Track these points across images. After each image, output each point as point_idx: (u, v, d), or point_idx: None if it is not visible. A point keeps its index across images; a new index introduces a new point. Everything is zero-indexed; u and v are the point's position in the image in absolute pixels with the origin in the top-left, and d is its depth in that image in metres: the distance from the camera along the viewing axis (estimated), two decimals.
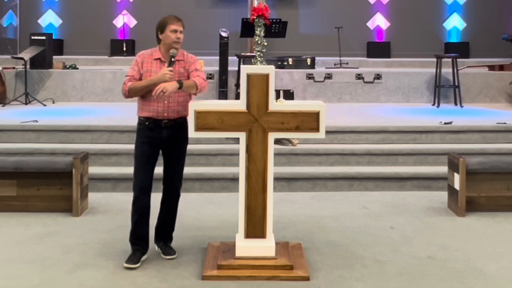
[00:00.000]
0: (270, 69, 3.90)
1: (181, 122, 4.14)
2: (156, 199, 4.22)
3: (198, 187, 6.02)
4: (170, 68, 3.97)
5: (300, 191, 6.08)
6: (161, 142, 4.12)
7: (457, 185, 5.28)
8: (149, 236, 4.16)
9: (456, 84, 9.02)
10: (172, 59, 4.00)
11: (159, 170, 4.17)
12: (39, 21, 12.30)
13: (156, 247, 4.27)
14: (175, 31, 4.07)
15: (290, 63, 9.90)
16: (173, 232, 4.31)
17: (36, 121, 6.85)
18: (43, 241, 4.49)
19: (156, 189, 4.17)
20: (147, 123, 4.09)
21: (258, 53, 8.93)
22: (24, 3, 12.10)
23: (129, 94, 4.06)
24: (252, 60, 9.04)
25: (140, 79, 4.07)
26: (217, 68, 9.25)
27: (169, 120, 4.08)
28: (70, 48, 12.00)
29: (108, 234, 4.66)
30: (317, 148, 6.44)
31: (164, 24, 4.10)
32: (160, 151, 4.20)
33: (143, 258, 4.10)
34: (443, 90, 9.14)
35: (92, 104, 8.85)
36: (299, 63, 9.95)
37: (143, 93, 4.05)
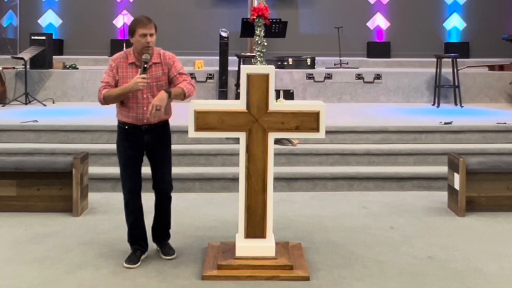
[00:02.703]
0: (270, 69, 3.89)
1: (162, 126, 4.07)
2: (148, 197, 4.20)
3: (198, 187, 6.01)
4: (143, 76, 3.82)
5: (300, 191, 6.08)
6: (143, 146, 4.06)
7: (457, 185, 5.27)
8: (147, 235, 4.17)
9: (456, 84, 9.01)
10: (145, 65, 3.85)
11: (147, 170, 4.13)
12: (39, 21, 12.29)
13: (156, 246, 4.28)
14: (144, 35, 3.87)
15: (290, 63, 9.90)
16: (170, 229, 4.30)
17: (36, 121, 6.85)
18: (43, 241, 4.49)
19: (147, 189, 4.16)
20: (126, 127, 4.05)
21: (258, 53, 8.94)
22: (24, 3, 12.10)
23: (104, 102, 3.96)
24: (252, 60, 9.04)
25: (116, 85, 3.95)
26: (217, 68, 9.24)
27: (149, 125, 4.00)
28: (70, 48, 11.99)
29: (108, 234, 4.66)
30: (317, 148, 6.44)
31: (133, 28, 3.92)
32: (145, 153, 4.13)
33: (143, 257, 4.11)
34: (443, 90, 9.14)
35: (92, 104, 8.83)
36: (299, 63, 9.94)
37: (120, 100, 3.96)
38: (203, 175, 6.07)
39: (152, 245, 4.22)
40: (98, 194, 5.77)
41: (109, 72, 3.97)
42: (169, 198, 4.21)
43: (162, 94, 3.81)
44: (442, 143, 6.75)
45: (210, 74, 9.27)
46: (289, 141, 6.50)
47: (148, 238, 4.20)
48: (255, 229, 3.92)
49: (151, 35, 3.91)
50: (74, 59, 10.46)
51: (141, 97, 3.95)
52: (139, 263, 4.02)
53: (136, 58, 3.96)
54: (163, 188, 4.14)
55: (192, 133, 3.91)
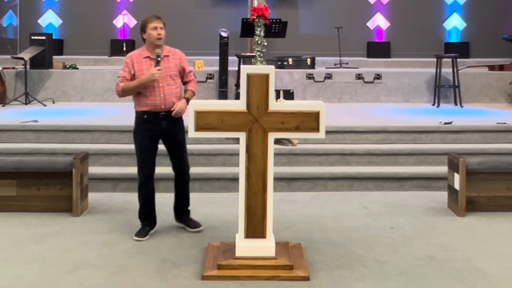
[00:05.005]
0: (270, 69, 3.90)
1: None
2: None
3: (198, 187, 6.01)
4: (158, 68, 4.36)
5: (300, 191, 6.08)
6: (161, 133, 4.52)
7: (457, 185, 5.27)
8: (156, 213, 4.67)
9: (456, 84, 9.02)
10: (158, 59, 4.38)
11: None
12: (39, 21, 12.30)
13: (180, 223, 4.78)
14: (155, 28, 4.43)
15: (290, 63, 9.90)
16: (189, 206, 4.83)
17: (36, 121, 6.85)
18: (43, 241, 4.49)
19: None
20: (145, 116, 4.45)
21: (258, 53, 8.93)
22: (24, 3, 12.10)
23: (122, 94, 4.48)
24: (252, 60, 9.04)
25: (132, 78, 4.44)
26: (217, 68, 9.24)
27: (166, 111, 4.45)
28: (70, 48, 12.00)
29: (108, 234, 4.66)
30: (317, 148, 6.44)
31: (144, 24, 4.49)
32: (160, 141, 4.59)
33: (151, 232, 4.59)
34: (443, 90, 9.14)
35: (92, 104, 8.85)
36: (299, 63, 9.94)
37: (137, 91, 4.43)
38: (203, 175, 6.07)
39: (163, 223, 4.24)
40: (98, 194, 5.77)
41: (125, 68, 4.47)
42: (188, 177, 4.77)
43: (183, 102, 4.48)
44: (442, 143, 6.75)
45: (210, 74, 9.27)
46: (289, 141, 6.50)
47: (156, 216, 4.68)
48: (255, 229, 3.92)
49: (161, 28, 4.46)
50: (74, 59, 10.46)
51: (158, 86, 4.43)
52: (147, 236, 4.51)
53: (150, 52, 4.48)
54: (183, 169, 4.70)
55: (192, 133, 3.92)
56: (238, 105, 3.90)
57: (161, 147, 4.66)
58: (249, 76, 3.86)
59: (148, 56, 4.46)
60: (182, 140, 4.64)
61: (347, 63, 10.72)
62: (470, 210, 5.27)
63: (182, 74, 4.60)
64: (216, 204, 5.56)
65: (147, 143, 4.49)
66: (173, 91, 4.49)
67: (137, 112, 4.51)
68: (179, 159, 4.66)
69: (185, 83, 4.65)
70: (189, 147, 4.49)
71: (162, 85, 4.43)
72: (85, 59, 10.89)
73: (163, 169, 6.17)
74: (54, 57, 9.96)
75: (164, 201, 5.64)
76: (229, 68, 9.11)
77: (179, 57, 4.58)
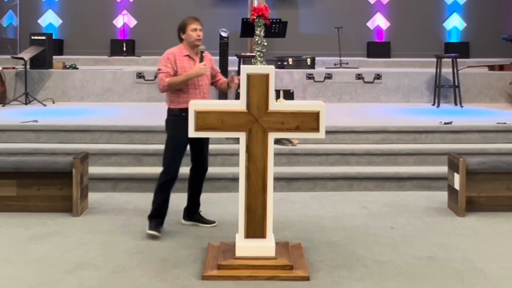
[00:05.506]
0: (270, 69, 3.90)
1: None
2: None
3: None
4: (204, 63, 4.52)
5: (300, 191, 6.08)
6: None
7: (457, 185, 5.27)
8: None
9: (456, 84, 9.01)
10: (203, 54, 4.54)
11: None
12: (39, 21, 12.30)
13: (191, 222, 4.87)
14: (195, 29, 4.60)
15: (290, 63, 9.90)
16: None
17: (36, 121, 6.85)
18: (43, 241, 4.49)
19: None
20: (183, 114, 4.41)
21: (258, 53, 8.92)
22: (24, 3, 12.09)
23: (167, 88, 4.52)
24: (252, 60, 9.02)
25: (175, 74, 4.53)
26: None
27: None
28: (70, 48, 11.99)
29: (108, 234, 4.66)
30: (317, 148, 6.44)
31: (184, 25, 4.64)
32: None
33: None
34: (443, 90, 9.14)
35: (92, 104, 8.85)
36: (299, 63, 9.94)
37: (178, 88, 4.52)
38: None
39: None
40: (98, 194, 5.77)
41: (167, 64, 4.55)
42: (207, 171, 4.91)
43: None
44: (442, 143, 6.75)
45: None
46: (289, 141, 6.50)
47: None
48: (255, 229, 3.92)
49: (200, 30, 4.63)
50: (74, 59, 10.46)
51: (198, 84, 4.57)
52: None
53: (189, 51, 4.62)
54: (205, 165, 4.85)
55: (193, 133, 3.92)
56: (238, 105, 3.90)
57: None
58: (249, 76, 3.86)
59: (188, 55, 4.61)
60: (207, 138, 4.78)
61: (347, 63, 10.71)
62: (470, 210, 5.27)
63: (213, 74, 4.80)
64: (216, 204, 5.55)
65: (184, 140, 4.51)
66: (208, 90, 4.69)
67: (173, 110, 4.59)
68: (204, 156, 4.81)
69: (213, 82, 4.83)
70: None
71: (201, 83, 4.59)
72: (85, 59, 10.88)
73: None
74: (54, 57, 9.95)
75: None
76: (229, 68, 9.10)
77: (209, 59, 4.74)
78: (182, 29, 4.66)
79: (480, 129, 6.89)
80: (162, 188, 4.62)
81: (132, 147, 6.45)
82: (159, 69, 4.58)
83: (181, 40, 4.69)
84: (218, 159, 6.31)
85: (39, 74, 9.23)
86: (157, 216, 4.63)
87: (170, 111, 4.64)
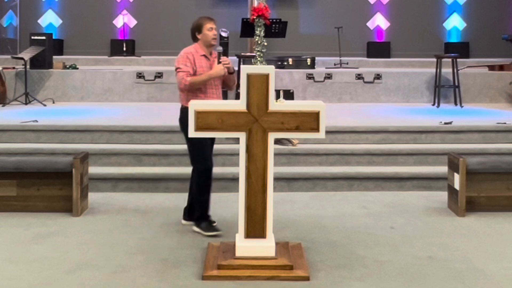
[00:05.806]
0: (270, 69, 3.90)
1: None
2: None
3: None
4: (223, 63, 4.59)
5: (300, 191, 6.08)
6: None
7: (457, 185, 5.27)
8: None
9: (456, 84, 9.01)
10: (221, 55, 4.60)
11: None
12: (39, 21, 12.30)
13: (191, 222, 4.77)
14: (211, 29, 4.66)
15: (290, 63, 9.89)
16: None
17: (36, 121, 6.85)
18: (43, 241, 4.49)
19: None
20: None
21: (258, 53, 8.91)
22: (24, 3, 12.10)
23: (189, 87, 4.54)
24: (252, 60, 9.02)
25: (194, 74, 4.56)
26: None
27: None
28: (70, 48, 11.99)
29: (108, 234, 4.66)
30: (317, 148, 6.44)
31: (200, 24, 4.67)
32: None
33: None
34: (443, 90, 9.14)
35: (92, 104, 8.85)
36: (299, 63, 9.94)
37: (198, 87, 4.57)
38: None
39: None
40: (98, 194, 5.77)
41: (187, 63, 4.57)
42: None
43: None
44: (442, 143, 6.75)
45: None
46: (289, 141, 6.50)
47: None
48: (255, 229, 3.92)
49: (216, 29, 4.69)
50: (74, 59, 10.45)
51: (214, 84, 4.65)
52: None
53: (205, 51, 4.68)
54: (212, 162, 4.79)
55: (193, 133, 3.92)
56: (238, 105, 3.90)
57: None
58: (249, 76, 3.86)
59: (204, 55, 4.66)
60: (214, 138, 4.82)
61: (347, 63, 10.71)
62: (470, 210, 5.27)
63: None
64: (216, 204, 5.54)
65: (206, 138, 4.54)
66: (221, 91, 4.77)
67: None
68: (211, 153, 4.83)
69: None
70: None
71: (216, 84, 4.66)
72: (85, 59, 10.88)
73: (162, 169, 6.18)
74: (54, 57, 9.95)
75: (164, 201, 5.65)
76: None
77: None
78: (197, 29, 4.69)
79: (480, 129, 6.89)
80: (204, 184, 4.65)
81: (132, 147, 6.45)
82: (178, 68, 4.59)
83: (195, 40, 4.71)
84: (218, 159, 6.30)
85: (39, 74, 9.23)
86: (205, 216, 4.68)
87: (186, 110, 4.60)
